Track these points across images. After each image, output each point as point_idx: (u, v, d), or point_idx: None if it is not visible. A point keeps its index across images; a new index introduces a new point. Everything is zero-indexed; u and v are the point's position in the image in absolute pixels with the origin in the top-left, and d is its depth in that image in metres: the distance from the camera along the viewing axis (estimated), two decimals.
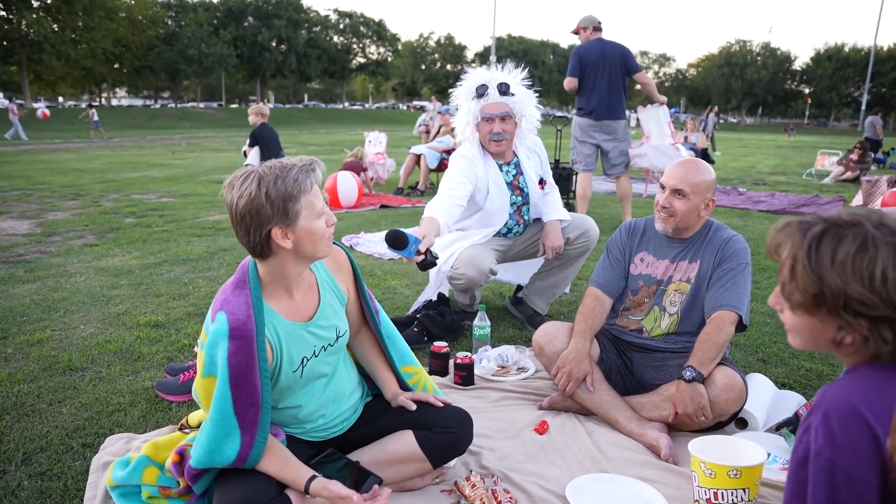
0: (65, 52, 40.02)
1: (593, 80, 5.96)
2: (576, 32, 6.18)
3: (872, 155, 14.07)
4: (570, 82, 6.03)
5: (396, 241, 2.48)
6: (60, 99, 63.52)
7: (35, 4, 40.64)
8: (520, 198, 3.38)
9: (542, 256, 3.40)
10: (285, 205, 1.60)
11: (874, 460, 1.04)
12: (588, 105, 6.05)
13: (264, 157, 7.97)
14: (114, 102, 61.31)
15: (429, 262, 2.55)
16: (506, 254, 3.45)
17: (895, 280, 1.06)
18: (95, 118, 24.78)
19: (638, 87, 6.20)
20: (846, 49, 65.88)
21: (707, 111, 22.34)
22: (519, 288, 3.74)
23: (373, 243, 5.54)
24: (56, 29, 40.81)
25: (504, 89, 3.21)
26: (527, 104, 3.27)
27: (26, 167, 12.22)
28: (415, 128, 15.72)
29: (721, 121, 77.56)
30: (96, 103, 49.48)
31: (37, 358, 2.96)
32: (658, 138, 8.40)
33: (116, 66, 48.65)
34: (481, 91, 3.22)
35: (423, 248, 2.52)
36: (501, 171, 3.34)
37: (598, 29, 6.06)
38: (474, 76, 3.29)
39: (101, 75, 47.89)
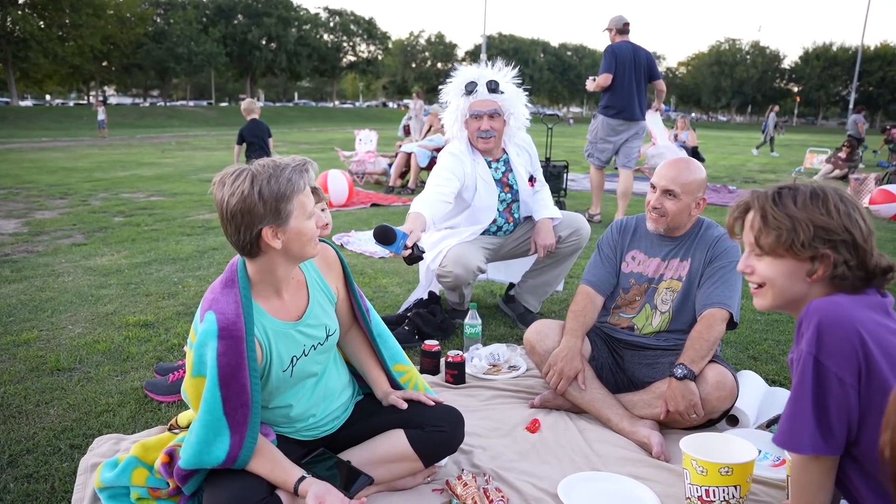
0: (52, 49, 39.66)
1: (625, 81, 6.16)
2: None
3: (861, 153, 14.17)
4: (605, 79, 6.15)
5: (384, 236, 2.52)
6: (48, 97, 62.98)
7: (21, 1, 40.24)
8: (509, 195, 3.37)
9: (534, 254, 3.40)
10: (278, 204, 1.59)
11: (853, 362, 1.29)
12: (619, 104, 6.23)
13: (248, 152, 8.04)
14: (112, 101, 60.81)
15: (416, 256, 2.59)
16: (496, 252, 3.44)
17: (844, 210, 1.39)
18: (101, 116, 23.53)
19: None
20: (834, 48, 66.37)
21: (769, 111, 22.02)
22: (511, 286, 3.74)
23: (363, 241, 5.52)
24: (42, 26, 40.45)
25: (493, 87, 3.21)
26: (516, 102, 3.27)
27: (13, 165, 12.10)
28: (399, 129, 15.48)
29: (711, 119, 77.97)
30: (101, 99, 48.89)
31: (24, 358, 2.92)
32: (662, 139, 8.91)
33: (105, 63, 48.28)
34: (470, 88, 3.22)
35: (409, 243, 2.56)
36: (490, 167, 3.34)
37: (622, 32, 6.26)
38: (464, 73, 3.29)
39: (90, 73, 47.52)
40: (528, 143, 3.50)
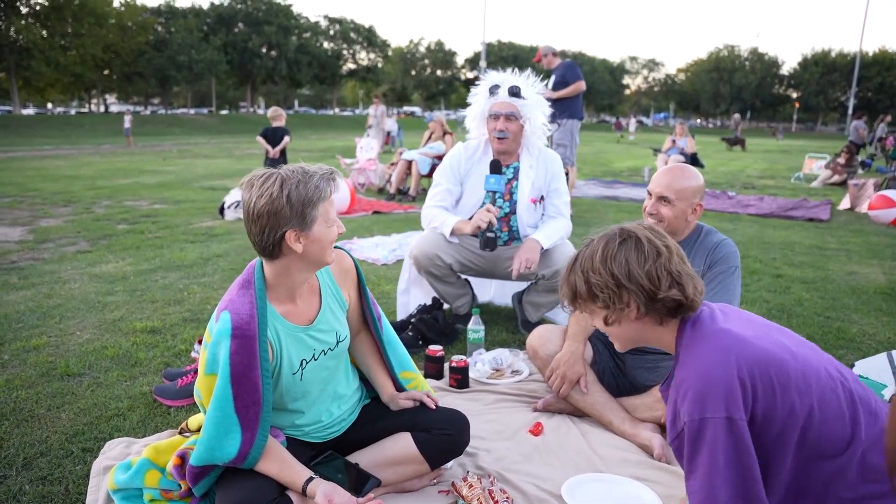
0: (54, 58, 39.85)
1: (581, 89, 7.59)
2: (538, 60, 7.70)
3: (860, 158, 14.23)
4: (582, 85, 7.45)
5: (497, 165, 3.08)
6: (49, 105, 63.15)
7: (24, 11, 40.44)
8: (507, 204, 3.37)
9: (508, 269, 3.26)
10: (304, 209, 1.64)
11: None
12: (581, 108, 7.67)
13: (266, 158, 9.42)
14: (113, 109, 60.94)
15: (492, 239, 3.08)
16: (493, 265, 3.39)
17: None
18: (127, 125, 24.22)
19: (627, 92, 7.51)
20: (832, 54, 66.54)
21: (879, 120, 21.15)
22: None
23: (366, 248, 5.57)
24: (45, 35, 40.62)
25: (514, 91, 3.26)
26: (534, 109, 3.29)
27: (16, 174, 12.16)
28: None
29: (710, 125, 78.04)
30: (134, 110, 49.06)
31: (34, 364, 2.97)
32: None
33: (106, 72, 48.48)
34: (493, 90, 3.31)
35: (483, 225, 3.09)
36: None
37: (556, 54, 7.78)
38: (491, 77, 3.38)
39: (91, 82, 47.73)
40: (550, 160, 3.41)
